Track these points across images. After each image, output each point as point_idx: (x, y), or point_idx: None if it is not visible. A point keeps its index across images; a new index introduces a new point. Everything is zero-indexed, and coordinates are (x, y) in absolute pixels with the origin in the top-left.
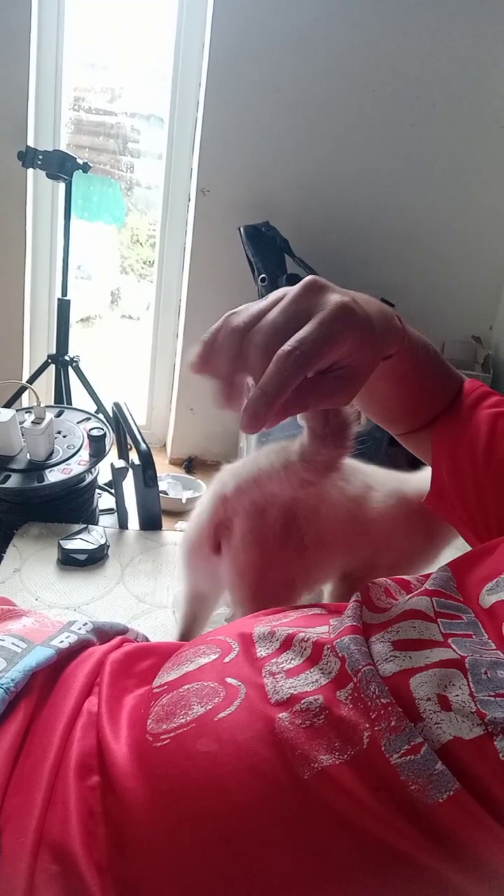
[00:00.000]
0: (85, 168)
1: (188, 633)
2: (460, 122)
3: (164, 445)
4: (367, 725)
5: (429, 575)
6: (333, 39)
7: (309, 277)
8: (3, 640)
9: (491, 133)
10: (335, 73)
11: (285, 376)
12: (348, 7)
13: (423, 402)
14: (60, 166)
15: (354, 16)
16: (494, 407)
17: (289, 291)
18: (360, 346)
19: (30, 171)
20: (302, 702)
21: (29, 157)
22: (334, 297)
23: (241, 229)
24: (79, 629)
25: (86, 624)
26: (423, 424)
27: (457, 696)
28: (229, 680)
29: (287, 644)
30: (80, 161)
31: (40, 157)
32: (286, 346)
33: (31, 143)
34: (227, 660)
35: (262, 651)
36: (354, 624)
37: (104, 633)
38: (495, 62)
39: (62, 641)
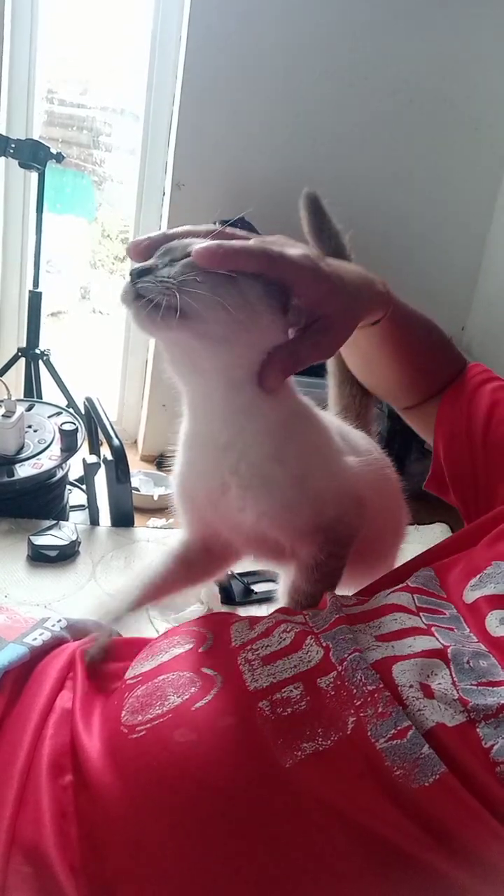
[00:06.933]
0: (59, 158)
1: None
2: (437, 121)
3: (136, 442)
4: (353, 711)
5: (410, 573)
6: (312, 35)
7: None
8: None
9: (467, 133)
10: (313, 69)
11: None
12: (327, 3)
13: (422, 375)
14: (34, 155)
15: (333, 11)
16: (495, 393)
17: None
18: (327, 297)
19: (1, 160)
20: (282, 690)
21: (0, 145)
22: (298, 248)
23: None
24: (52, 626)
25: (60, 621)
26: (423, 399)
27: (439, 684)
28: (205, 670)
29: (266, 633)
30: (53, 151)
31: (13, 145)
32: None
33: (2, 132)
34: (201, 649)
35: (237, 639)
36: (338, 615)
37: (78, 631)
38: (474, 62)
39: (35, 639)
